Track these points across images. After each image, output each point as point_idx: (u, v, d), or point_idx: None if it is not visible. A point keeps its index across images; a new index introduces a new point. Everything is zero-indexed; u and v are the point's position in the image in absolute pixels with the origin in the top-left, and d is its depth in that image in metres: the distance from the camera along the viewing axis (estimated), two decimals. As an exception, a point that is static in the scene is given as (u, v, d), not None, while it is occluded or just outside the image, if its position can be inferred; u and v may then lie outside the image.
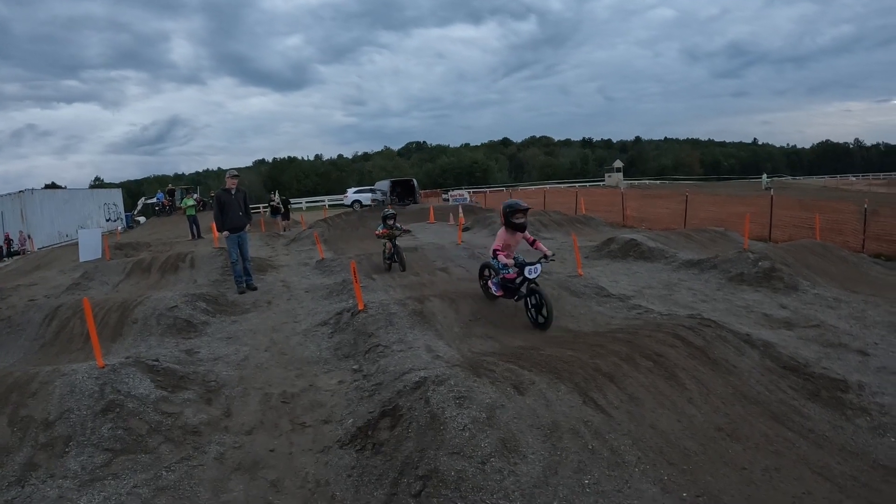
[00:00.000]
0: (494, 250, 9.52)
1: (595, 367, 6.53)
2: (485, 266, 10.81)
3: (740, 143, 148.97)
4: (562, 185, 76.64)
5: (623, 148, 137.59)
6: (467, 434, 5.14)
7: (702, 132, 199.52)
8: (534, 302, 9.39)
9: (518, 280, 9.65)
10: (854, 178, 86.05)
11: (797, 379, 7.24)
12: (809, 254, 15.38)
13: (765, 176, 73.95)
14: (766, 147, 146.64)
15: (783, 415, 6.33)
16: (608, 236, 19.53)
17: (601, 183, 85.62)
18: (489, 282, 10.30)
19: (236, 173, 14.18)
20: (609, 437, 5.36)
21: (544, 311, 9.19)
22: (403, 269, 15.30)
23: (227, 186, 13.91)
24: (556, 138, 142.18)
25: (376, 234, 15.84)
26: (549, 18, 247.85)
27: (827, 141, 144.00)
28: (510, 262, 9.42)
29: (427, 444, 5.16)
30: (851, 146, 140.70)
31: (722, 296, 11.97)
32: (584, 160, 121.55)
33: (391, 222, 15.73)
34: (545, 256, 9.54)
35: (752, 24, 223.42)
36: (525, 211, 9.77)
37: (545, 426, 5.36)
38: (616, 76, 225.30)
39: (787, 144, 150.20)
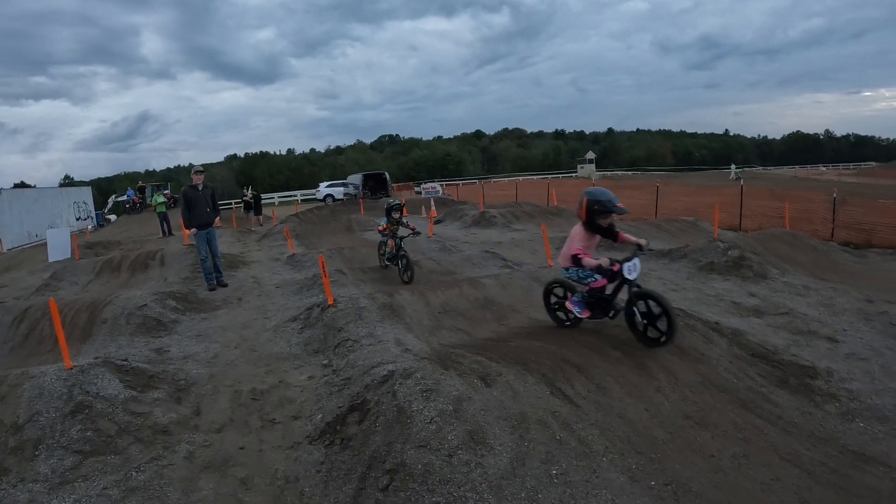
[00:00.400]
0: (574, 255, 7.27)
1: (563, 357, 6.55)
2: (553, 285, 8.23)
3: (712, 134, 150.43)
4: (535, 177, 76.67)
5: (596, 139, 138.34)
6: (434, 427, 5.12)
7: (674, 123, 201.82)
8: (643, 310, 6.96)
9: (609, 288, 7.39)
10: (824, 168, 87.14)
11: (766, 366, 7.29)
12: (779, 242, 15.54)
13: (733, 167, 74.40)
14: (738, 138, 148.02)
15: (752, 402, 6.36)
16: (579, 228, 19.33)
17: (574, 174, 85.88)
18: (567, 302, 7.76)
19: (202, 169, 14.02)
20: (577, 428, 5.36)
21: (662, 322, 6.82)
22: (410, 280, 12.74)
23: (193, 183, 13.75)
24: (529, 130, 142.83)
25: (378, 230, 14.41)
26: (522, 11, 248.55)
27: (798, 132, 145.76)
28: (605, 260, 6.96)
29: (394, 437, 5.14)
30: (822, 137, 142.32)
31: (692, 285, 12.06)
32: (556, 152, 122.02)
33: (397, 216, 14.14)
34: (639, 247, 7.32)
35: (724, 17, 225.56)
36: (618, 213, 7.30)
37: (512, 417, 5.35)
38: (589, 68, 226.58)
39: (759, 135, 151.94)
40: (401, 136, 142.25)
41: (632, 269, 7.05)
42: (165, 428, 6.34)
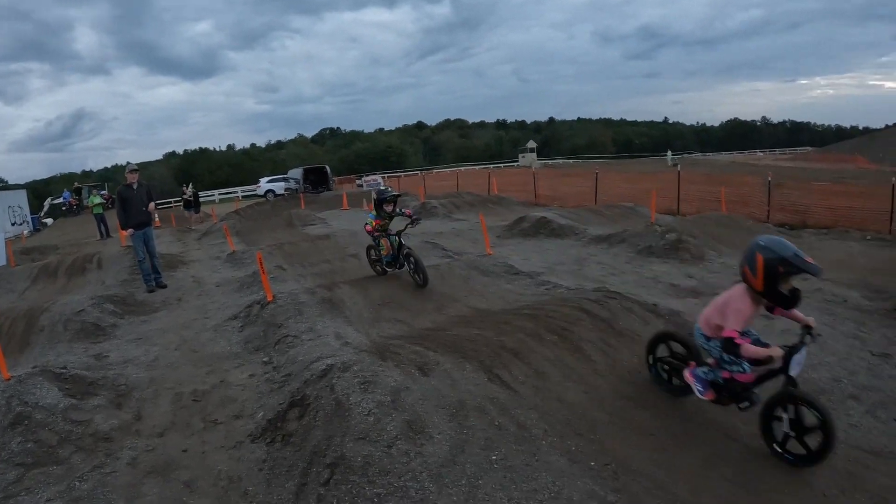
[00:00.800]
0: (728, 338, 5.08)
1: (501, 344, 6.60)
2: (671, 340, 6.23)
3: (652, 122, 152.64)
4: (477, 167, 76.89)
5: (537, 128, 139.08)
6: (372, 419, 5.13)
7: (614, 112, 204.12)
8: (792, 417, 5.14)
9: (756, 383, 5.41)
10: (761, 154, 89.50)
11: (703, 345, 7.45)
12: (716, 225, 15.91)
13: (669, 153, 75.37)
14: (677, 125, 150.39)
15: (690, 381, 6.50)
16: (520, 215, 19.65)
17: (515, 163, 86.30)
18: (687, 372, 5.78)
19: (136, 167, 13.75)
20: (515, 413, 5.42)
21: (814, 438, 5.06)
22: (425, 283, 10.34)
23: (127, 182, 13.45)
24: (471, 121, 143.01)
25: (367, 231, 11.30)
26: (464, 1, 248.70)
27: (736, 119, 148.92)
28: (777, 352, 5.03)
29: (334, 431, 5.14)
30: (759, 123, 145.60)
31: (631, 268, 12.25)
32: (498, 142, 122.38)
33: (390, 208, 11.05)
34: (808, 330, 5.28)
35: (664, 8, 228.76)
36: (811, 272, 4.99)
37: (451, 406, 5.39)
38: (530, 58, 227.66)
39: (698, 122, 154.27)
40: (342, 128, 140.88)
41: (798, 363, 5.15)
42: (107, 435, 6.23)
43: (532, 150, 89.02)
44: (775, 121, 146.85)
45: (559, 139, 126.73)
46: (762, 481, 4.93)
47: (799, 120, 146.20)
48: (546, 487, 4.56)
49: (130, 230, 13.37)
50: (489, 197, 29.52)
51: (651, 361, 6.31)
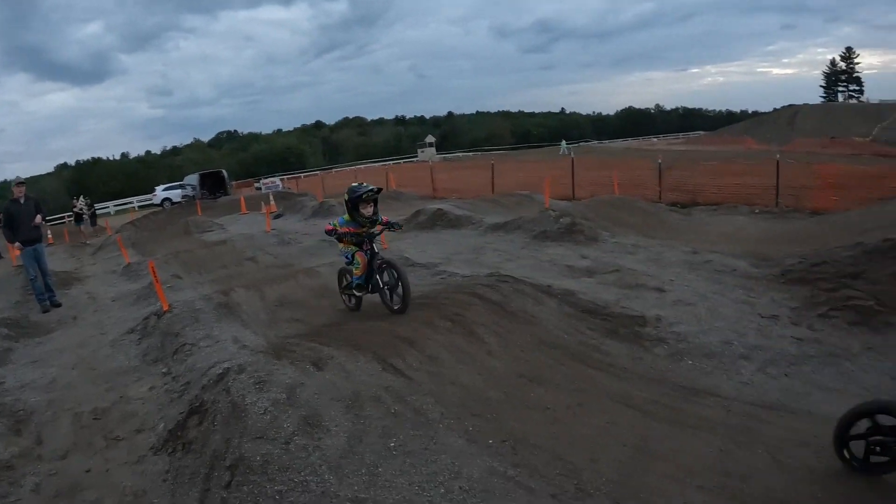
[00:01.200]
0: None
1: (394, 333, 6.73)
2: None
3: (549, 112, 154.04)
4: (376, 164, 76.84)
5: (436, 123, 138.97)
6: (269, 417, 5.15)
7: (512, 104, 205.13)
8: None
9: None
10: (656, 140, 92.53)
11: (596, 320, 7.78)
12: (609, 207, 16.48)
13: (563, 142, 76.54)
14: (574, 115, 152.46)
15: (583, 354, 6.79)
16: (418, 209, 19.78)
17: (415, 158, 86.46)
18: None
19: (22, 180, 13.25)
20: (411, 399, 5.52)
21: None
22: (404, 308, 7.79)
23: (14, 196, 12.92)
24: (370, 118, 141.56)
25: (327, 230, 8.63)
26: None
27: (630, 107, 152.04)
28: None
29: (231, 433, 5.12)
30: (653, 111, 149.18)
31: (527, 253, 12.50)
32: (397, 138, 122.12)
33: (369, 210, 8.38)
34: None
35: (559, 3, 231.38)
36: None
37: (346, 398, 5.44)
38: (428, 54, 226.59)
39: (594, 112, 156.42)
40: (239, 131, 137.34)
41: None
42: (8, 463, 6.02)
43: (431, 145, 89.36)
44: (668, 108, 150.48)
45: (458, 133, 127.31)
46: (660, 443, 5.16)
47: (691, 106, 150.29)
48: (446, 469, 4.68)
49: (18, 244, 12.90)
50: (388, 193, 29.52)
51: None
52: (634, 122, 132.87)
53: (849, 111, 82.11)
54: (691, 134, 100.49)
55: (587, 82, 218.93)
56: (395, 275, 8.04)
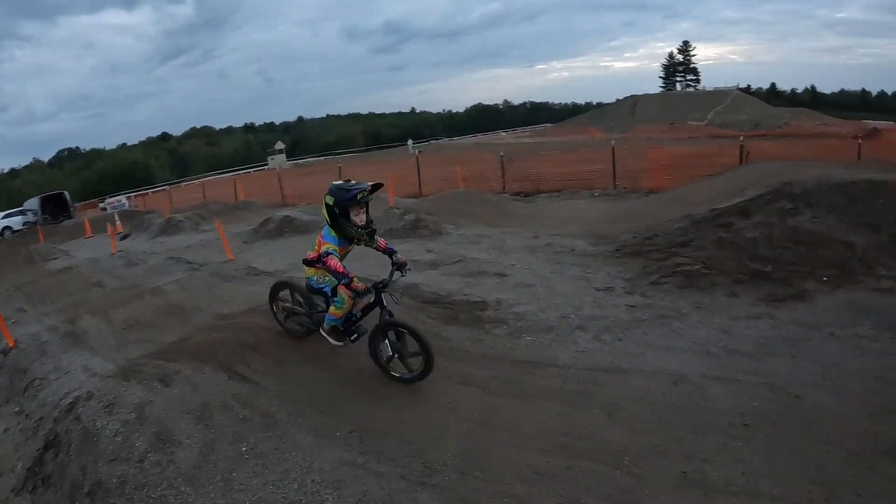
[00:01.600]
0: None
1: (239, 342, 6.82)
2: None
3: (399, 113, 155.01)
4: (226, 175, 75.08)
5: (286, 129, 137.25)
6: (120, 438, 5.18)
7: (363, 106, 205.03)
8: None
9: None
10: (504, 134, 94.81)
11: (438, 309, 8.18)
12: (454, 201, 16.97)
13: (410, 142, 77.36)
14: (424, 114, 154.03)
15: (426, 343, 7.07)
16: (266, 217, 19.62)
17: (265, 166, 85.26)
18: None
19: None
20: (259, 403, 5.69)
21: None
22: (425, 373, 5.96)
23: None
24: (218, 127, 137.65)
25: (309, 258, 6.64)
26: (207, 0, 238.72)
27: (479, 104, 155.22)
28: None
29: (86, 460, 5.12)
30: (502, 107, 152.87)
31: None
32: (247, 146, 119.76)
33: (362, 217, 6.31)
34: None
35: (408, 4, 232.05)
36: None
37: (196, 409, 5.53)
38: (276, 57, 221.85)
39: (444, 110, 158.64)
40: (81, 147, 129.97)
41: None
42: None
43: (281, 152, 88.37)
44: (516, 103, 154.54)
45: (309, 138, 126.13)
46: (501, 416, 5.61)
47: (538, 101, 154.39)
48: (298, 465, 4.92)
49: None
50: (237, 204, 29.09)
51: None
52: (484, 118, 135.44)
53: (686, 98, 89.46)
54: (538, 127, 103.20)
55: (437, 81, 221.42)
56: (422, 345, 5.91)
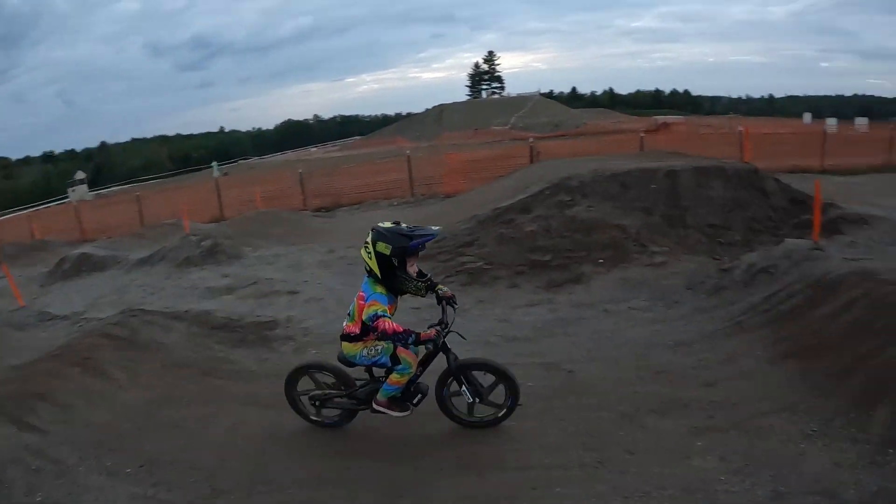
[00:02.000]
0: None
1: (27, 392, 6.52)
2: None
3: (208, 133, 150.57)
4: (23, 211, 70.07)
5: (88, 157, 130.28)
6: None
7: (170, 127, 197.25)
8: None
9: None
10: (314, 149, 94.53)
11: (226, 334, 8.38)
12: (253, 223, 17.18)
13: (215, 164, 75.62)
14: (234, 133, 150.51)
15: (212, 368, 7.36)
16: (62, 256, 18.72)
17: (67, 199, 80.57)
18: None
19: None
20: (49, 452, 5.57)
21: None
22: (515, 403, 5.42)
23: None
24: (15, 157, 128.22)
25: (385, 329, 4.98)
26: (4, 13, 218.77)
27: (289, 120, 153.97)
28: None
29: None
30: (312, 121, 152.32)
31: (170, 283, 12.60)
32: (47, 178, 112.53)
33: (415, 269, 5.37)
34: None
35: (216, 17, 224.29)
36: None
37: (-15, 468, 5.42)
38: (76, 77, 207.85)
39: (253, 128, 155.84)
40: None
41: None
42: None
43: (82, 182, 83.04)
44: (326, 117, 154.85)
45: (113, 164, 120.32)
46: (286, 430, 5.88)
47: (348, 114, 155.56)
48: (91, 508, 4.96)
49: None
50: (33, 244, 27.31)
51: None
52: (294, 134, 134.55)
53: (491, 105, 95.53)
54: (348, 140, 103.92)
55: (246, 97, 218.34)
56: (509, 390, 5.43)
